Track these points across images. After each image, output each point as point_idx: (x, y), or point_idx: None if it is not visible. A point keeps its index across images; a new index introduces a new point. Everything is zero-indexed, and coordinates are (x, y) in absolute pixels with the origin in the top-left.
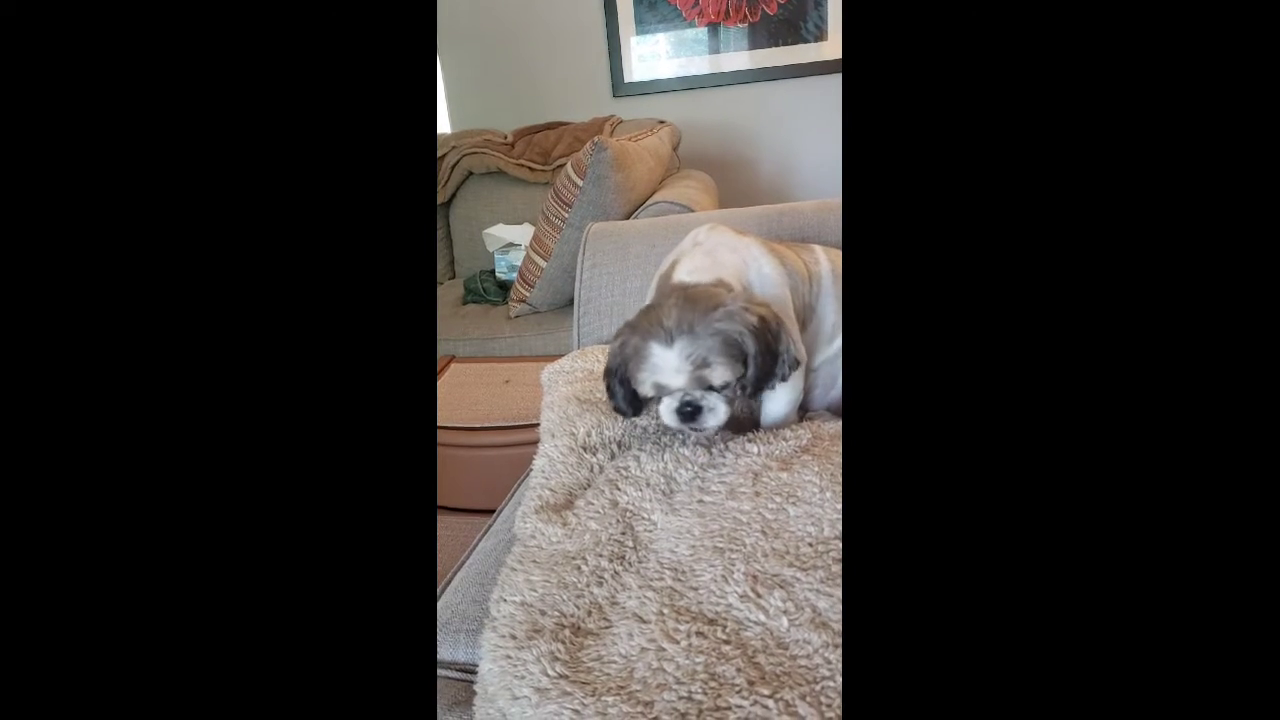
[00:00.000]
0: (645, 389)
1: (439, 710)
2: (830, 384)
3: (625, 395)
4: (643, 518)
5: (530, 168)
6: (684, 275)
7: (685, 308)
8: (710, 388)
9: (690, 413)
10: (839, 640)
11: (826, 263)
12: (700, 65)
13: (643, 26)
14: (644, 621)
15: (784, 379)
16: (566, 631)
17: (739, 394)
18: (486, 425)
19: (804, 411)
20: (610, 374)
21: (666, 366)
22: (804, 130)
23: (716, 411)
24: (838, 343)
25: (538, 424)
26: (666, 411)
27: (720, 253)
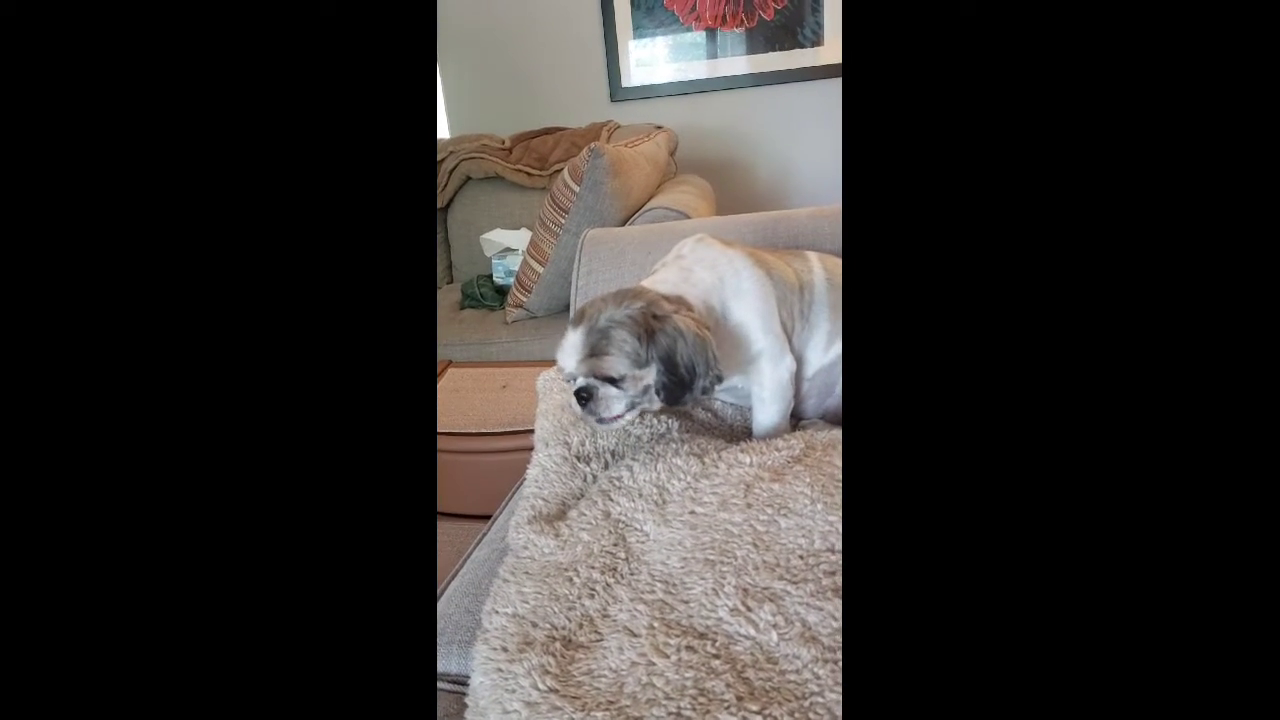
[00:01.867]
0: (560, 369)
1: None
2: (825, 393)
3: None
4: (635, 529)
5: (528, 173)
6: (648, 283)
7: (609, 303)
8: (607, 379)
9: (584, 398)
10: (828, 655)
11: (821, 270)
12: (698, 70)
13: (640, 31)
14: (634, 635)
15: (706, 391)
16: (558, 644)
17: (649, 395)
18: (483, 430)
19: (797, 421)
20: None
21: (568, 348)
22: (801, 135)
23: (609, 402)
24: (834, 351)
25: (534, 430)
26: (570, 395)
27: (697, 270)
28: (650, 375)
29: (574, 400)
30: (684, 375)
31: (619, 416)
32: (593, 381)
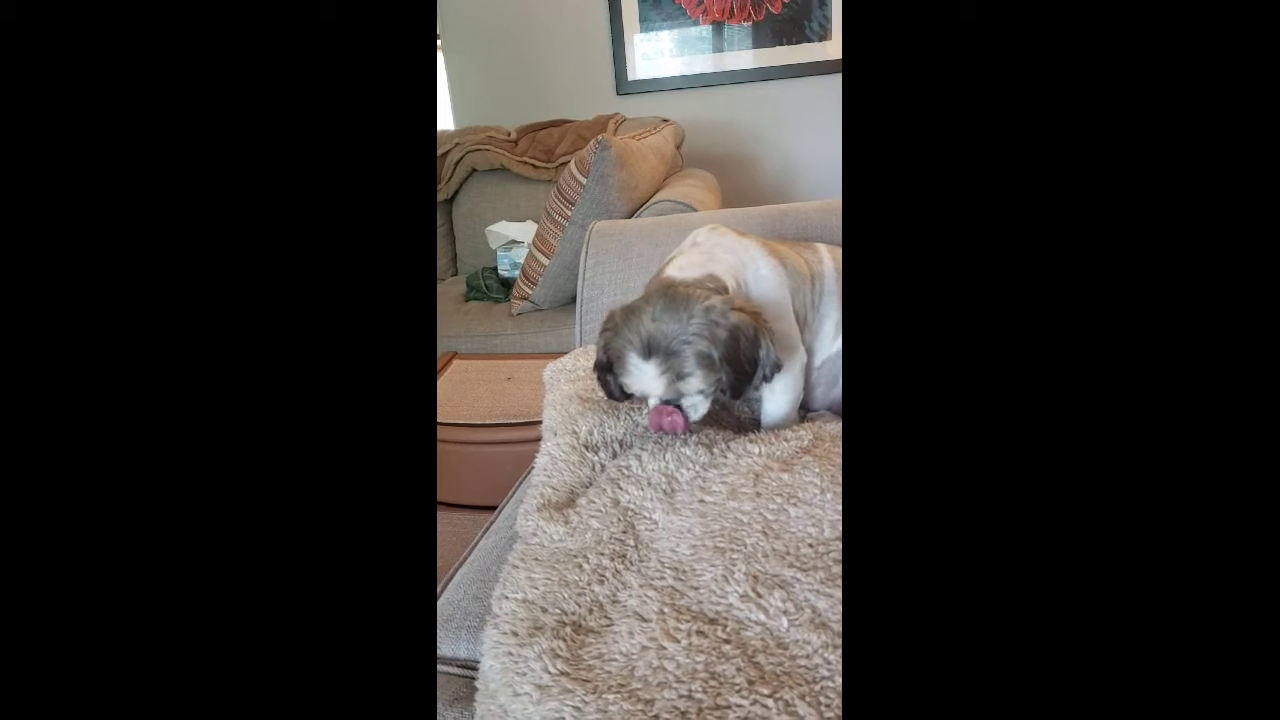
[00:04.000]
0: (630, 390)
1: (440, 706)
2: (832, 382)
3: (617, 386)
4: (644, 517)
5: (534, 165)
6: (674, 271)
7: (663, 317)
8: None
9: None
10: (838, 641)
11: (830, 261)
12: (704, 64)
13: (647, 24)
14: (645, 620)
15: (767, 379)
16: (568, 629)
17: (722, 393)
18: (488, 422)
19: (805, 411)
20: (600, 368)
21: (645, 376)
22: (807, 130)
23: (697, 408)
24: (840, 341)
25: (540, 421)
26: (648, 407)
27: (717, 253)
28: (721, 377)
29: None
30: (747, 370)
31: (703, 415)
32: (676, 397)
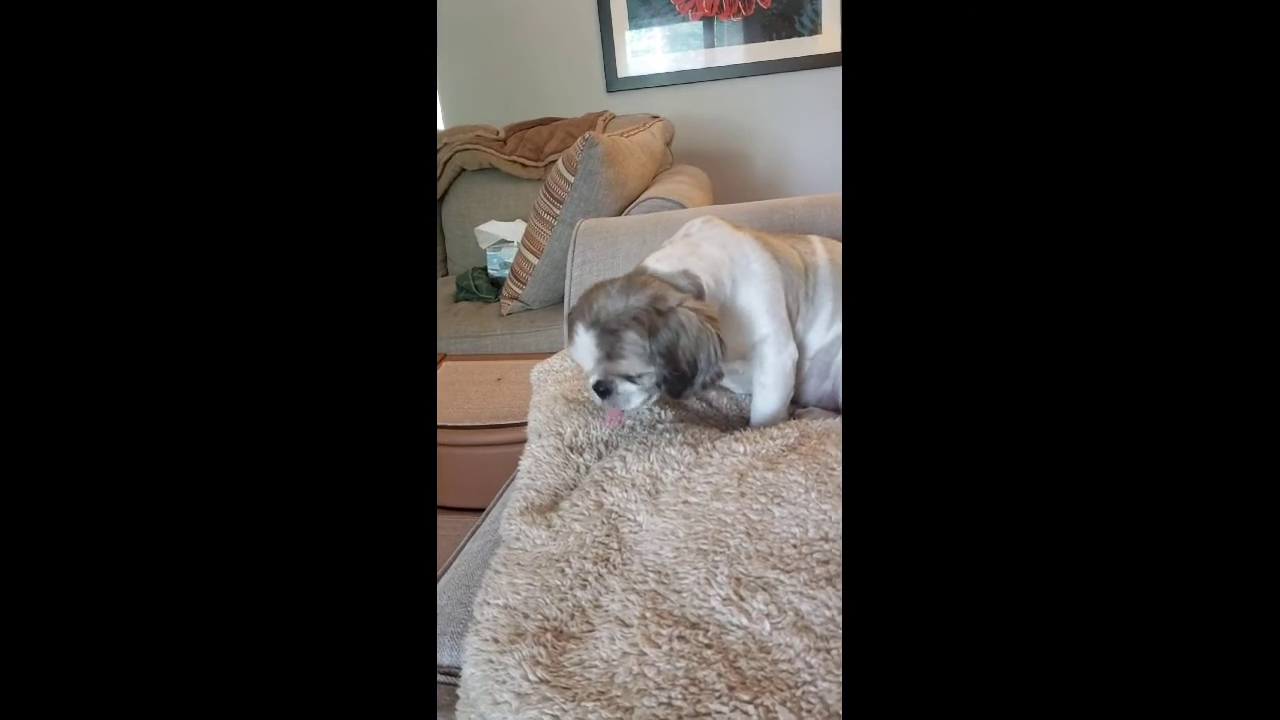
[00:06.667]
0: (575, 359)
1: None
2: (824, 375)
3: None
4: (628, 519)
5: (523, 164)
6: (652, 261)
7: (616, 296)
8: (624, 377)
9: (601, 392)
10: (820, 644)
11: (823, 253)
12: (694, 60)
13: (636, 21)
14: (626, 625)
15: (707, 385)
16: (549, 635)
17: (658, 387)
18: (478, 424)
19: (795, 407)
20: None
21: (584, 350)
22: (798, 124)
23: (628, 396)
24: (834, 330)
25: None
26: (588, 386)
27: (704, 246)
28: (657, 369)
29: (593, 393)
30: (685, 370)
31: (636, 406)
32: (610, 379)
